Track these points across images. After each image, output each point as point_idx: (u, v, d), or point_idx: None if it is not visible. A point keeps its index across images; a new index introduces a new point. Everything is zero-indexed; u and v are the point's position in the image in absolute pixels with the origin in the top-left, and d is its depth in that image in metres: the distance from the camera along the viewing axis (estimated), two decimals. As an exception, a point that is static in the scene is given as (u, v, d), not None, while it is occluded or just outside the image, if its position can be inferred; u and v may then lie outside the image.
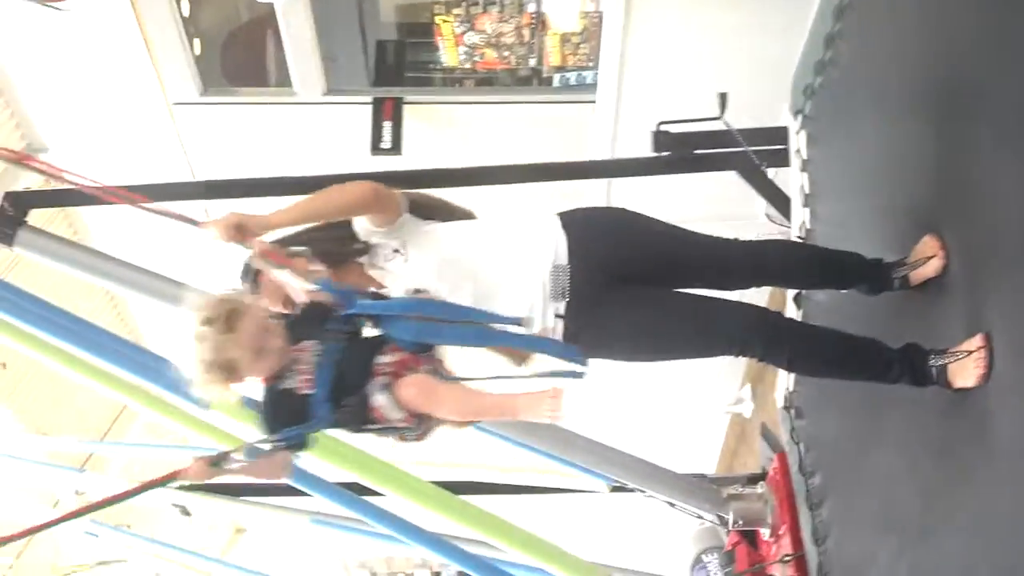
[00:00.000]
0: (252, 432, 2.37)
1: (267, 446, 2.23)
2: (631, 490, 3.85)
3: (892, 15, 3.04)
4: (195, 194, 4.40)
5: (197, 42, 5.43)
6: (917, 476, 2.56)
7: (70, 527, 4.74)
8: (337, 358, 2.28)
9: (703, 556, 3.90)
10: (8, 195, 3.84)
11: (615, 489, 4.00)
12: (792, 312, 3.61)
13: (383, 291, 2.59)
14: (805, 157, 3.69)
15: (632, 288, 2.59)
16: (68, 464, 5.08)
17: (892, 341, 2.52)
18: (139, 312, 6.57)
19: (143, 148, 5.62)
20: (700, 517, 3.81)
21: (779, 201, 4.06)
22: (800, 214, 3.71)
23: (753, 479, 3.81)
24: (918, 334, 2.53)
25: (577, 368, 2.31)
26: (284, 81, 5.53)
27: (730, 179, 4.08)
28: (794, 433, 3.49)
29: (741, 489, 3.73)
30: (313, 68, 5.41)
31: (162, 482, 2.29)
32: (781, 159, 3.93)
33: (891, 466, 2.73)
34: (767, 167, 4.00)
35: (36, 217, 3.89)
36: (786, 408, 3.60)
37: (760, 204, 4.44)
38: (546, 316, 2.55)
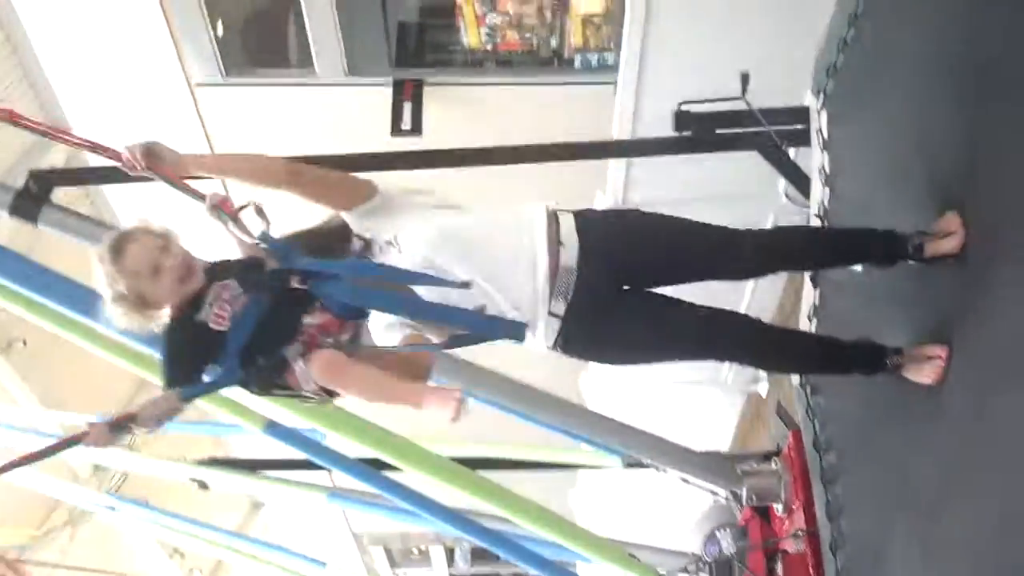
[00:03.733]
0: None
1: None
2: (645, 466, 3.85)
3: (915, -8, 3.01)
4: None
5: (219, 24, 5.45)
6: (931, 452, 2.55)
7: (89, 502, 4.79)
8: (258, 312, 2.30)
9: (716, 532, 3.89)
10: (32, 173, 3.88)
11: (630, 465, 4.01)
12: (808, 291, 3.59)
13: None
14: (826, 137, 3.66)
15: (635, 299, 2.61)
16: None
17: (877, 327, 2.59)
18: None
19: (165, 129, 5.62)
20: (714, 493, 3.82)
21: (800, 181, 4.04)
22: (820, 193, 3.69)
23: (767, 456, 3.81)
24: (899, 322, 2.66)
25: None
26: (305, 63, 5.54)
27: (751, 159, 4.06)
28: (809, 410, 3.48)
29: (755, 466, 3.73)
30: (334, 49, 5.41)
31: (62, 447, 2.32)
32: (802, 139, 3.91)
33: (905, 442, 2.72)
34: (788, 147, 3.98)
35: (59, 196, 3.93)
36: (801, 385, 3.59)
37: (781, 184, 4.42)
38: (537, 309, 2.50)
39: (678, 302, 2.66)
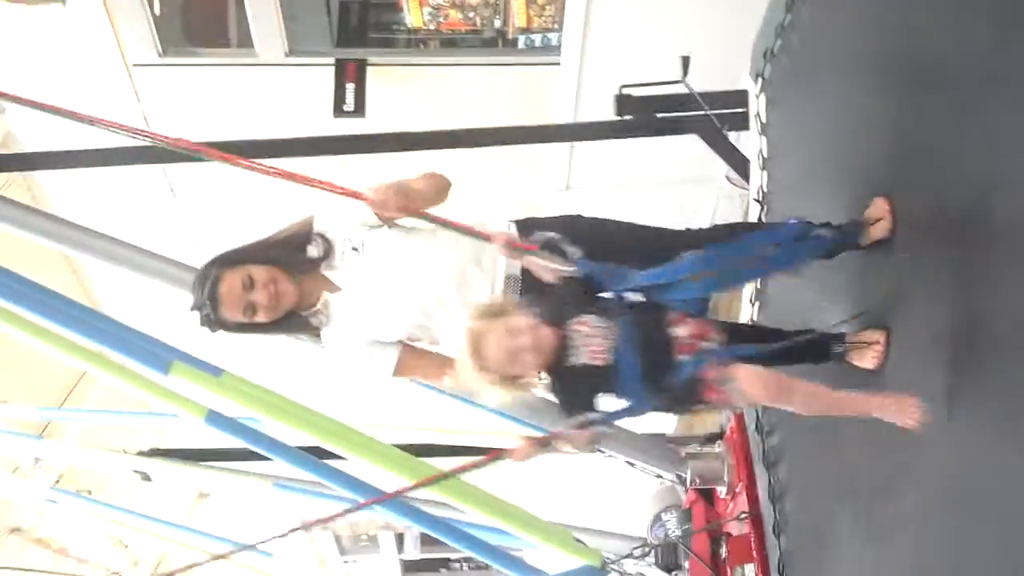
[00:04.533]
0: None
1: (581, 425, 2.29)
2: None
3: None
4: (152, 158, 4.35)
5: (156, 2, 5.35)
6: (872, 435, 2.59)
7: (31, 494, 4.73)
8: (634, 335, 2.32)
9: (662, 515, 3.94)
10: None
11: (576, 449, 4.03)
12: (747, 308, 3.65)
13: (335, 293, 2.66)
14: (764, 121, 3.70)
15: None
16: (26, 432, 5.04)
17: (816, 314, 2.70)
18: (97, 279, 6.51)
19: (102, 110, 5.50)
20: (659, 476, 3.86)
21: (740, 165, 4.08)
22: (758, 177, 3.73)
23: (710, 438, 3.85)
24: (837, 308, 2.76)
25: None
26: (245, 42, 5.47)
27: (692, 142, 4.08)
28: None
29: (699, 448, 3.78)
30: (275, 29, 5.34)
31: (488, 462, 2.37)
32: (742, 122, 3.94)
33: (847, 426, 2.76)
34: (728, 130, 4.01)
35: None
36: (744, 369, 3.63)
37: (721, 167, 4.45)
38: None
39: None
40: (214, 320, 2.79)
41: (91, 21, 5.16)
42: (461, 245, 2.67)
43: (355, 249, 2.62)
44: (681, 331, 2.36)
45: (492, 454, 2.40)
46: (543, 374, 2.39)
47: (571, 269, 2.43)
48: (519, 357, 2.30)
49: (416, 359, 2.94)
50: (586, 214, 2.89)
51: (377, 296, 2.70)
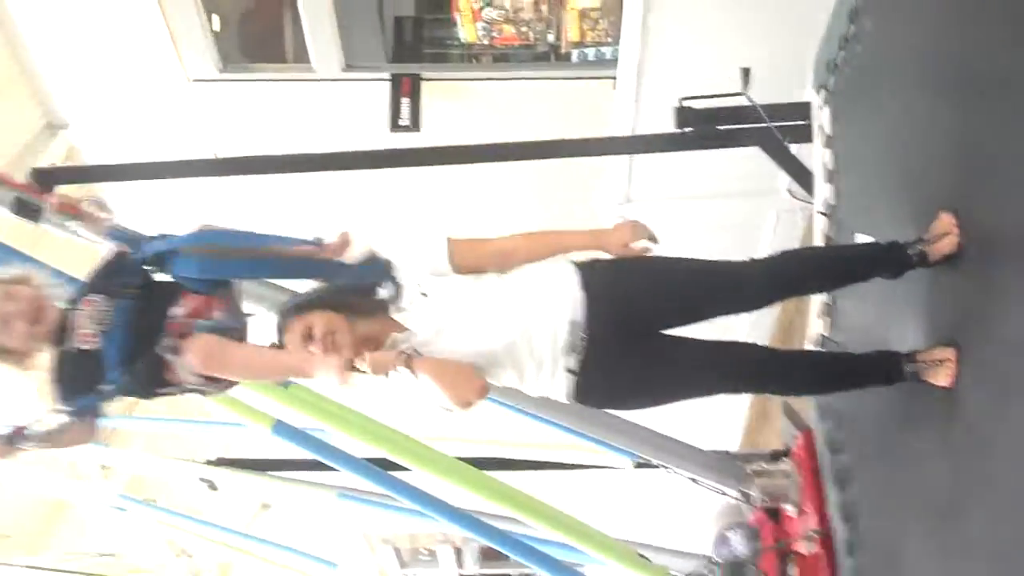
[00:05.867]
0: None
1: (62, 417, 2.19)
2: (655, 466, 3.86)
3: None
4: (212, 171, 4.41)
5: (216, 18, 5.42)
6: (948, 453, 2.56)
7: (99, 500, 4.79)
8: (128, 317, 2.20)
9: (726, 532, 3.91)
10: (34, 172, 3.86)
11: (639, 465, 4.02)
12: (815, 321, 3.62)
13: (405, 334, 2.56)
14: (828, 133, 3.68)
15: (645, 346, 2.61)
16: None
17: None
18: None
19: (162, 124, 5.62)
20: (723, 493, 3.83)
21: (802, 177, 4.05)
22: (823, 190, 3.71)
23: (776, 456, 3.82)
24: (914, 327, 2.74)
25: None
26: (302, 57, 5.51)
27: (753, 155, 4.07)
28: (822, 410, 3.49)
29: (764, 466, 3.74)
30: (331, 44, 5.39)
31: None
32: (804, 134, 3.92)
33: (921, 442, 2.74)
34: (790, 142, 3.99)
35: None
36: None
37: (783, 180, 4.43)
38: (556, 370, 2.54)
39: (686, 341, 2.66)
40: None
41: (153, 37, 5.23)
42: (525, 293, 2.61)
43: (424, 294, 2.59)
44: (178, 309, 2.22)
45: None
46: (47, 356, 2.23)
47: (103, 238, 2.31)
48: (9, 325, 2.17)
49: None
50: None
51: (444, 340, 2.62)
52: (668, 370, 2.61)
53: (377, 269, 2.40)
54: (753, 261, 2.73)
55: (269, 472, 4.43)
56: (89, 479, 4.93)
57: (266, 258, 2.34)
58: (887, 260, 2.70)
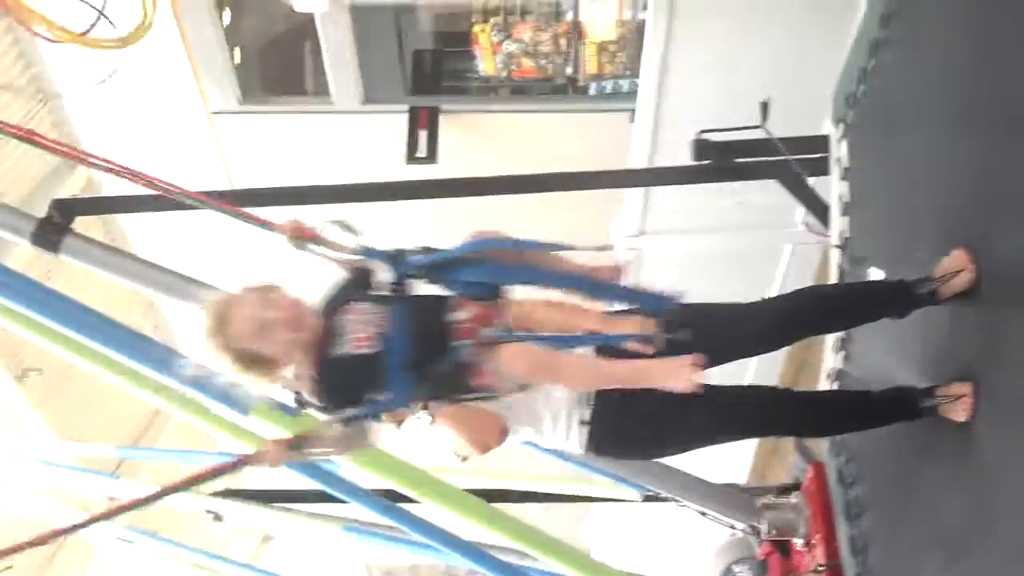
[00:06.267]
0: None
1: (341, 422, 2.14)
2: (663, 499, 3.82)
3: (937, 24, 2.99)
4: (233, 202, 4.41)
5: (237, 51, 5.48)
6: (960, 488, 2.52)
7: (103, 533, 4.76)
8: (405, 322, 2.17)
9: (734, 566, 3.85)
10: (55, 202, 3.88)
11: (647, 498, 3.97)
12: (830, 356, 3.57)
13: None
14: (846, 166, 3.65)
15: (660, 394, 2.44)
16: (101, 469, 5.12)
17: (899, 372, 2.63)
18: (175, 321, 6.62)
19: (183, 156, 5.67)
20: (732, 527, 3.78)
21: (819, 210, 4.02)
22: (839, 223, 3.67)
23: (786, 489, 3.76)
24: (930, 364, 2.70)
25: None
26: (322, 90, 5.57)
27: (770, 187, 4.04)
28: (833, 443, 3.44)
29: (774, 499, 3.69)
30: (351, 77, 5.43)
31: (237, 467, 2.24)
32: (822, 168, 3.89)
33: (933, 477, 2.68)
34: (808, 176, 3.96)
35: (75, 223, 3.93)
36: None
37: (799, 213, 4.40)
38: (571, 422, 2.49)
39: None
40: None
41: (174, 70, 5.29)
42: None
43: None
44: (461, 315, 2.19)
45: (239, 460, 2.22)
46: (300, 365, 2.20)
47: (354, 255, 2.28)
48: (270, 332, 2.13)
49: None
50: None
51: None
52: (684, 420, 2.54)
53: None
54: (760, 303, 2.70)
55: (275, 503, 4.40)
56: (95, 511, 4.91)
57: (548, 268, 2.33)
58: (894, 300, 2.66)
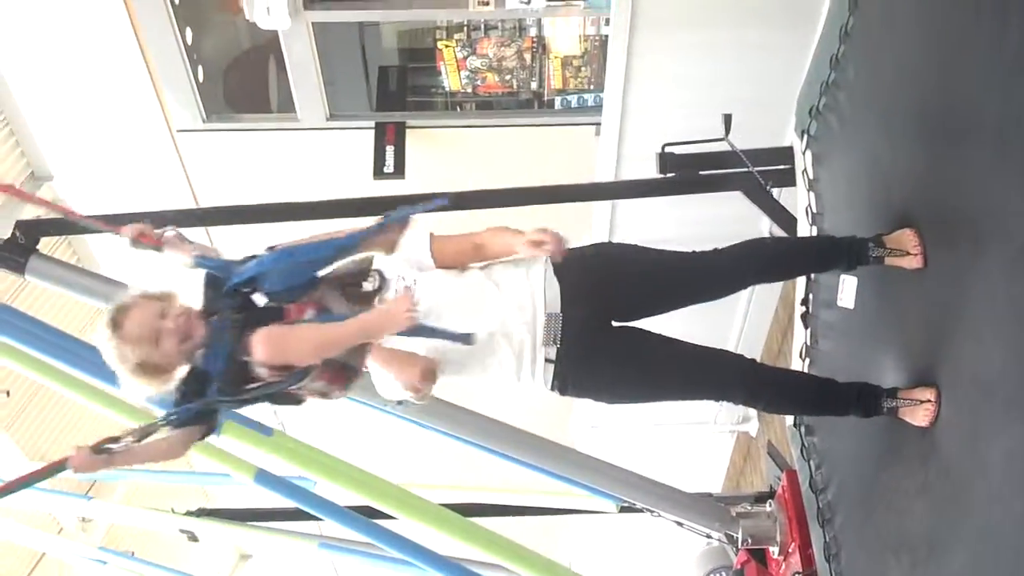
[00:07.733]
0: None
1: (161, 429, 2.18)
2: (640, 510, 3.85)
3: (896, 36, 3.06)
4: (197, 221, 4.40)
5: (200, 69, 5.45)
6: (929, 492, 2.56)
7: (77, 553, 4.71)
8: (230, 334, 2.20)
9: (712, 575, 3.89)
10: (20, 224, 3.84)
11: (624, 509, 4.00)
12: (799, 331, 3.62)
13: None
14: (811, 177, 3.70)
15: (625, 334, 2.69)
16: (73, 491, 5.06)
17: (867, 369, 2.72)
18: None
19: (147, 174, 5.64)
20: (708, 536, 3.82)
21: (784, 221, 4.06)
22: (807, 233, 3.72)
23: (761, 497, 3.80)
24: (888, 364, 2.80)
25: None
26: (287, 107, 5.56)
27: (736, 199, 4.09)
28: (804, 450, 3.49)
29: (749, 507, 3.73)
30: (316, 94, 5.43)
31: (48, 472, 2.24)
32: (787, 179, 3.94)
33: (904, 482, 2.73)
34: (772, 187, 4.01)
35: (41, 243, 3.89)
36: (795, 425, 3.60)
37: (765, 224, 4.45)
38: (536, 360, 2.60)
39: (670, 340, 2.71)
40: None
41: (137, 88, 5.26)
42: (504, 286, 2.65)
43: (408, 288, 2.62)
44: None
45: (51, 465, 2.22)
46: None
47: (190, 264, 2.31)
48: (160, 340, 2.16)
49: None
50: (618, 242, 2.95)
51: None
52: (645, 362, 2.66)
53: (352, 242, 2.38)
54: (719, 248, 2.82)
55: (251, 522, 4.38)
56: (68, 532, 4.86)
57: (314, 243, 2.35)
58: (847, 253, 2.81)
